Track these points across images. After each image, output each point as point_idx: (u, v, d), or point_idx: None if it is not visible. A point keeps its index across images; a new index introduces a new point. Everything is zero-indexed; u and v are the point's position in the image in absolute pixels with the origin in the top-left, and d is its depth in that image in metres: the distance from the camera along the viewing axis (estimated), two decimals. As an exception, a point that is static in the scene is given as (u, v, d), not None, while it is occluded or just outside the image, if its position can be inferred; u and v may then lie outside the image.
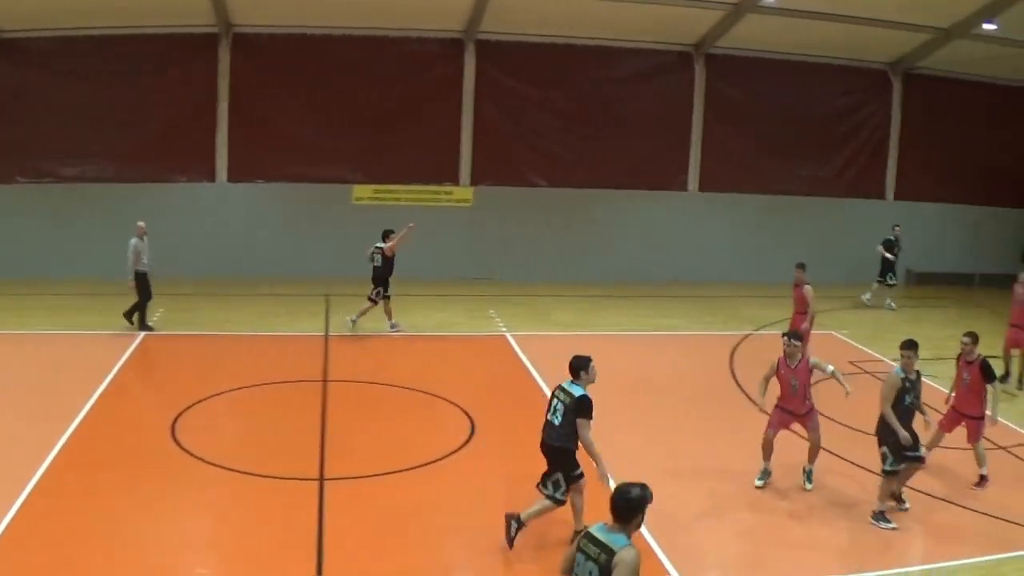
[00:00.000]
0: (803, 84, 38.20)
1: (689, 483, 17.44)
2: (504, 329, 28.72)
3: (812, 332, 24.75)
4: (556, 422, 15.07)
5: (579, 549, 9.45)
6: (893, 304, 34.63)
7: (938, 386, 20.41)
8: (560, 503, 15.01)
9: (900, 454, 16.53)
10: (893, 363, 25.01)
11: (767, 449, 18.02)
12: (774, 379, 17.88)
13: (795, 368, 17.66)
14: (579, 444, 14.93)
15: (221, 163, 33.04)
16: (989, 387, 18.27)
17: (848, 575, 14.59)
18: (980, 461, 18.44)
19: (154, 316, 26.66)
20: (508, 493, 16.87)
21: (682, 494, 16.87)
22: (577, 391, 14.88)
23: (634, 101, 36.29)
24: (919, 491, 17.41)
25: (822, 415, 18.43)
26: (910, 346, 16.76)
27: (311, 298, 30.96)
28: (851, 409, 19.27)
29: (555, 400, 15.23)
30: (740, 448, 18.75)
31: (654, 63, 36.52)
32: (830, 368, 17.74)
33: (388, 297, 27.36)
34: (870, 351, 27.93)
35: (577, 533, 14.20)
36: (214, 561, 14.31)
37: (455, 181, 35.27)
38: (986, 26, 33.01)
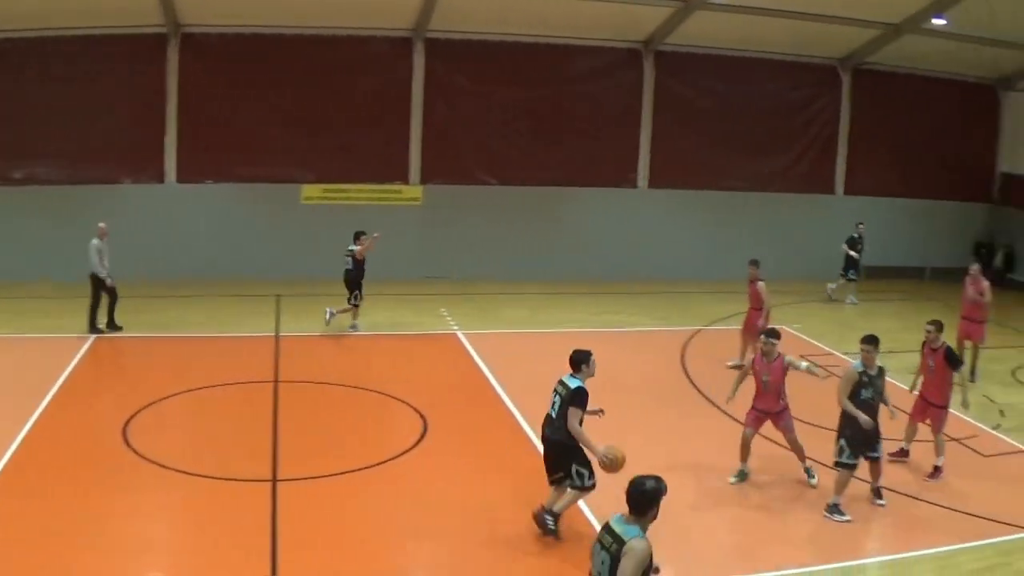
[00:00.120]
0: (752, 80, 38.51)
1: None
2: (455, 327, 28.89)
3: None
4: (554, 415, 15.49)
5: (597, 539, 9.77)
6: (855, 300, 35.22)
7: (890, 379, 20.81)
8: (590, 489, 15.33)
9: (856, 448, 16.88)
10: (844, 357, 25.75)
11: (744, 449, 18.33)
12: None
13: (770, 365, 18.01)
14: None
15: (170, 164, 32.92)
16: (956, 374, 18.76)
17: (803, 568, 14.87)
18: (938, 451, 18.87)
19: (104, 319, 26.61)
20: (461, 491, 17.11)
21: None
22: (574, 383, 15.30)
23: (583, 99, 36.47)
24: (887, 488, 17.72)
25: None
26: (869, 341, 17.11)
27: (261, 298, 30.97)
28: (808, 404, 19.68)
29: (555, 394, 15.60)
30: (694, 443, 19.08)
31: (603, 61, 36.72)
32: (804, 364, 18.25)
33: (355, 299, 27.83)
34: (822, 345, 28.38)
35: (543, 511, 15.13)
36: (167, 564, 14.39)
37: (405, 180, 35.33)
38: (936, 21, 33.40)
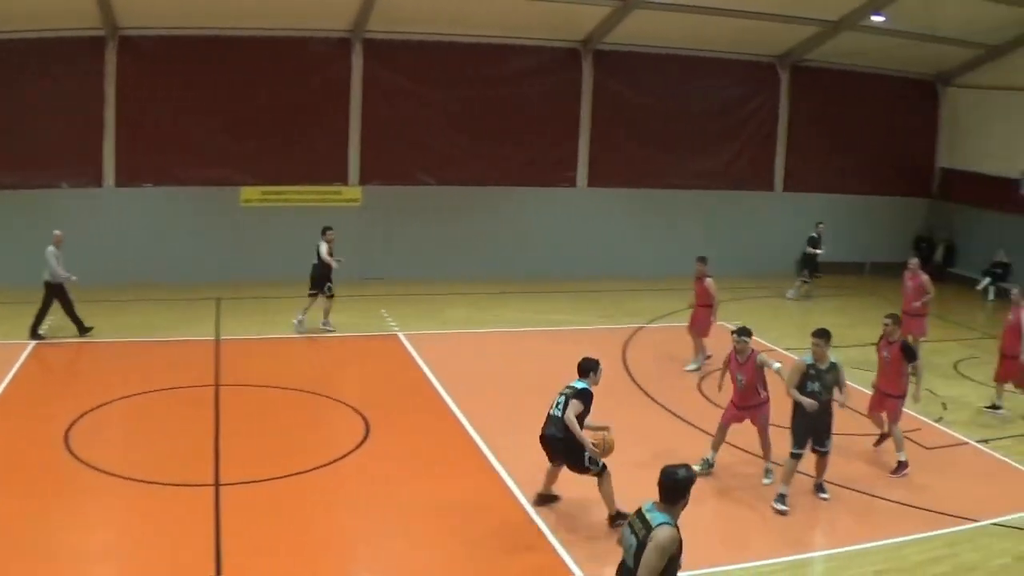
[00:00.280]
0: (691, 78, 38.95)
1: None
2: (396, 328, 29.03)
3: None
4: (558, 414, 16.04)
5: (628, 524, 10.23)
6: (795, 294, 36.21)
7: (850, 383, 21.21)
8: (604, 468, 16.07)
9: (800, 437, 17.37)
10: (785, 352, 26.11)
11: (716, 439, 18.91)
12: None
13: (743, 364, 18.49)
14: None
15: (108, 168, 32.71)
16: (911, 366, 19.31)
17: (742, 564, 15.16)
18: (898, 445, 19.45)
19: (45, 325, 26.52)
20: (403, 493, 17.33)
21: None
22: (580, 385, 16.08)
23: (523, 98, 36.69)
24: (832, 482, 18.13)
25: (720, 408, 19.30)
26: (819, 334, 17.57)
27: (201, 302, 30.89)
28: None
29: (560, 396, 16.21)
30: (638, 440, 19.31)
31: (542, 60, 36.93)
32: (776, 365, 18.61)
33: (315, 295, 28.16)
34: (761, 341, 28.69)
35: (614, 516, 15.82)
36: (111, 571, 14.43)
37: (344, 181, 35.40)
38: (874, 18, 33.97)
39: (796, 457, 17.38)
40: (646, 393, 23.73)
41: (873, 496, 18.19)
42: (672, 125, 38.62)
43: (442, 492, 17.42)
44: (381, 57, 34.99)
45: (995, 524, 17.05)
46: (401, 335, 28.32)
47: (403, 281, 34.52)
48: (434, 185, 36.33)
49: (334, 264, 27.90)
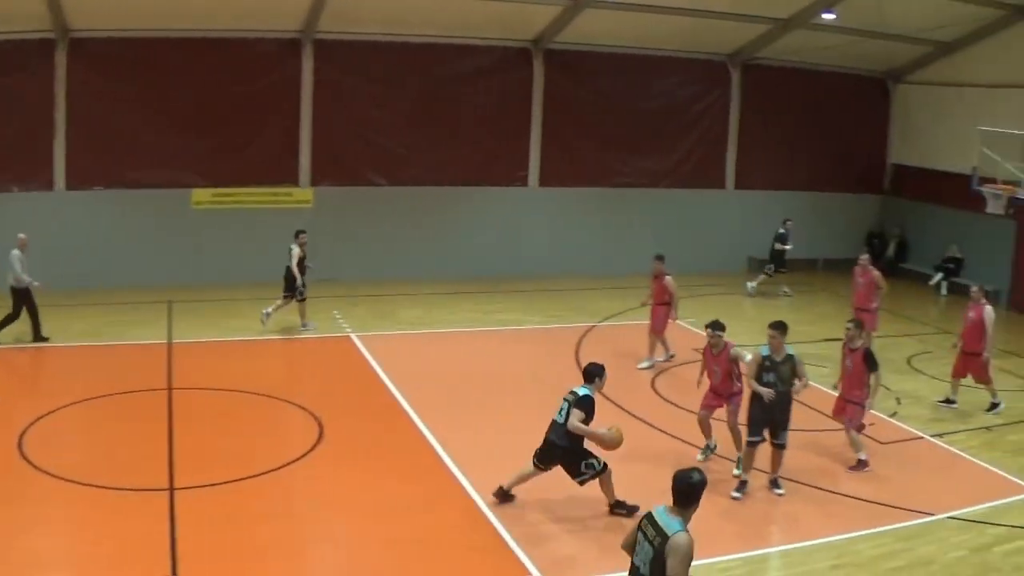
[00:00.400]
0: (642, 77, 39.28)
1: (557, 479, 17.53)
2: (349, 330, 29.17)
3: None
4: (561, 420, 16.47)
5: (640, 529, 10.23)
6: (753, 289, 36.69)
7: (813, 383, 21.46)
8: (606, 468, 16.67)
9: (756, 426, 17.88)
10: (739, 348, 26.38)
11: (702, 427, 19.57)
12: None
13: (717, 356, 19.02)
14: (582, 439, 16.43)
15: (59, 171, 32.57)
16: (873, 376, 19.52)
17: (698, 561, 15.29)
18: (855, 447, 19.76)
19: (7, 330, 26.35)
20: (358, 494, 17.51)
21: (557, 489, 17.46)
22: (583, 391, 16.46)
23: (474, 98, 36.85)
24: (784, 477, 18.48)
25: (676, 406, 19.68)
26: (775, 326, 18.12)
27: (153, 305, 30.80)
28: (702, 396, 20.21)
29: (564, 402, 16.64)
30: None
31: (493, 60, 37.10)
32: (748, 357, 18.97)
33: (289, 298, 28.49)
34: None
35: (613, 505, 16.53)
36: None
37: (295, 182, 35.43)
38: (825, 16, 34.17)
39: (752, 445, 17.97)
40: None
41: (828, 491, 18.56)
42: (623, 124, 38.95)
43: (396, 493, 17.61)
44: (332, 57, 35.02)
45: (951, 518, 17.46)
46: (354, 336, 28.45)
47: (356, 282, 34.52)
48: (386, 186, 36.40)
49: (299, 278, 28.25)
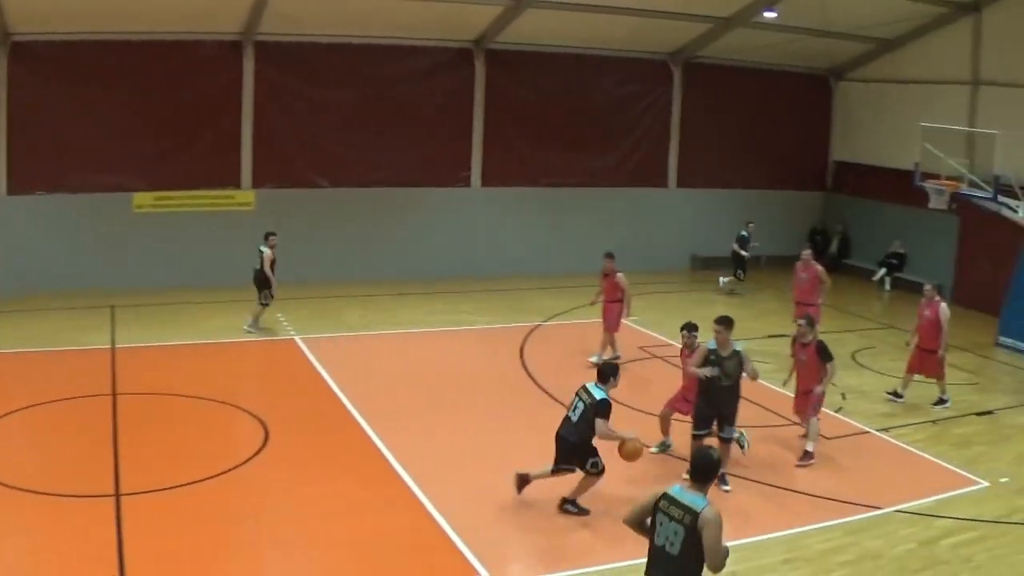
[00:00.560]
0: (584, 77, 39.61)
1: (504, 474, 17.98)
2: (293, 333, 29.26)
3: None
4: (574, 418, 16.93)
5: (659, 510, 10.55)
6: (725, 285, 37.37)
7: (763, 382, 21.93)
8: (602, 472, 16.99)
9: (701, 421, 18.39)
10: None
11: (662, 424, 20.14)
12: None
13: (690, 356, 19.38)
14: (593, 437, 16.74)
15: (0, 176, 32.40)
16: (828, 366, 20.06)
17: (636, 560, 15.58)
18: (812, 436, 20.18)
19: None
20: (304, 498, 17.65)
21: (500, 485, 17.93)
22: (599, 394, 16.74)
23: (416, 99, 37.03)
24: (730, 473, 18.89)
25: (628, 407, 20.01)
26: (720, 321, 18.58)
27: (96, 310, 30.70)
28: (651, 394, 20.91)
29: (577, 399, 17.03)
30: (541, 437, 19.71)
31: (435, 60, 37.31)
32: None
33: (265, 306, 28.89)
34: (659, 336, 29.57)
35: (571, 501, 16.75)
36: None
37: (237, 185, 35.41)
38: (766, 14, 34.60)
39: (697, 439, 18.30)
40: (545, 391, 24.27)
41: (776, 486, 18.97)
42: (566, 123, 39.31)
43: (342, 496, 17.82)
44: (273, 59, 35.05)
45: (898, 511, 17.92)
46: (298, 339, 28.55)
47: (299, 284, 33.95)
48: (328, 187, 36.48)
49: (273, 280, 28.59)
